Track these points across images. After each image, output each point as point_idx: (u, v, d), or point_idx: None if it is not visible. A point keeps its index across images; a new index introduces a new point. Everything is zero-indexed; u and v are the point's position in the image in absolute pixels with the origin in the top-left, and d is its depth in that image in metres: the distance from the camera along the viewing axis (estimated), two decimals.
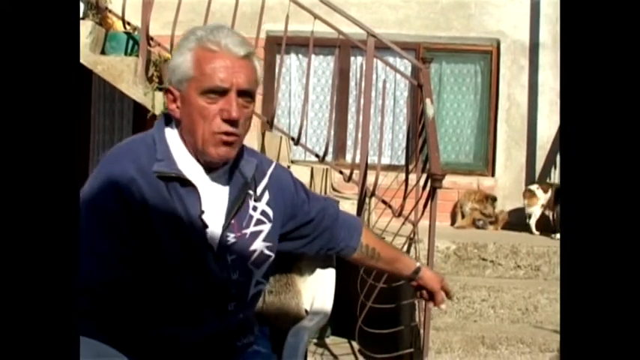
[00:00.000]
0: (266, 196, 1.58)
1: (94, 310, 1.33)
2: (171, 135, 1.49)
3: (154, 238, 1.40)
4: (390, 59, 4.94)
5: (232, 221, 1.49)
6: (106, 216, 1.37)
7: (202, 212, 1.44)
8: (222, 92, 1.40)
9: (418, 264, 1.83)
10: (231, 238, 1.49)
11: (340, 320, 3.35)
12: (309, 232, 1.69)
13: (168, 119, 1.52)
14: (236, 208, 1.49)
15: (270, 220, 1.57)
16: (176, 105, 1.45)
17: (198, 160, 1.47)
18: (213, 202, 1.47)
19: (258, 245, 1.54)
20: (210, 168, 1.48)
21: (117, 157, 1.45)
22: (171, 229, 1.41)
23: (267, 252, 1.56)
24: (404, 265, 1.83)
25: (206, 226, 1.44)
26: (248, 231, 1.52)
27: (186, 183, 1.43)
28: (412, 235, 3.72)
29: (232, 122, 1.41)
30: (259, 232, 1.54)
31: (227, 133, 1.41)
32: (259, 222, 1.55)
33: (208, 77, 1.39)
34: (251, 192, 1.54)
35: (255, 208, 1.55)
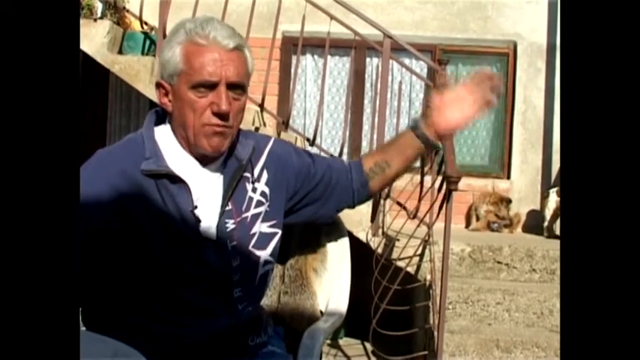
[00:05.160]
0: (264, 176, 1.57)
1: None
2: (162, 131, 1.49)
3: (142, 238, 1.40)
4: (406, 61, 4.93)
5: (230, 207, 1.49)
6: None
7: (195, 207, 1.44)
8: (212, 86, 1.40)
9: (412, 126, 1.65)
10: (230, 224, 1.48)
11: (354, 321, 3.34)
12: (321, 193, 1.66)
13: (159, 116, 1.53)
14: (230, 193, 1.49)
15: (267, 200, 1.56)
16: (168, 99, 1.46)
17: (192, 154, 1.47)
18: (208, 194, 1.47)
19: (259, 227, 1.53)
20: (205, 161, 1.48)
21: (97, 163, 1.44)
22: (160, 227, 1.41)
23: (269, 231, 1.55)
24: (405, 143, 1.66)
25: (199, 221, 1.44)
26: (249, 214, 1.52)
27: (176, 179, 1.43)
28: (427, 238, 3.71)
29: (222, 115, 1.41)
30: (260, 214, 1.54)
31: (217, 126, 1.42)
32: (260, 203, 1.54)
33: (197, 71, 1.40)
34: (248, 174, 1.54)
35: (254, 190, 1.54)
